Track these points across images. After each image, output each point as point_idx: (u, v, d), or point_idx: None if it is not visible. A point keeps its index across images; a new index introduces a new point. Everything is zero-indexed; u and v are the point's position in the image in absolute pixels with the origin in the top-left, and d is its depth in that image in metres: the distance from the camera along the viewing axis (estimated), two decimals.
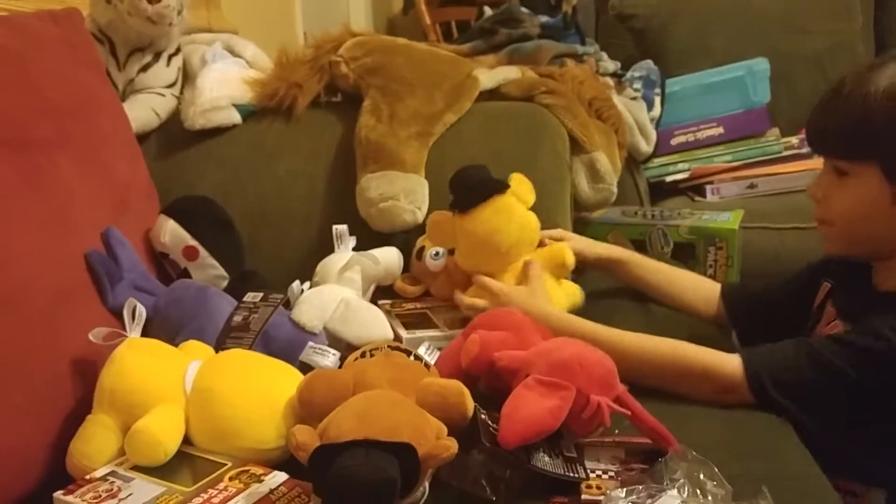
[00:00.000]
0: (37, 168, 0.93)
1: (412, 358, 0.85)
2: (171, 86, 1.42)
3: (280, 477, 0.74)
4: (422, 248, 1.19)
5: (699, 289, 1.21)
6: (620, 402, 0.81)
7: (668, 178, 1.79)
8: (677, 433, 0.83)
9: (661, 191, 1.80)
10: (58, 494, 0.73)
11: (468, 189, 1.04)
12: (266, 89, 1.40)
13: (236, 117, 1.38)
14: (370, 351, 0.85)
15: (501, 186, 1.03)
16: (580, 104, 1.45)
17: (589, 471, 0.78)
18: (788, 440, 0.86)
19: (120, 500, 0.71)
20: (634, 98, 1.73)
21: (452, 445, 0.69)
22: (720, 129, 1.82)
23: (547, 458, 0.77)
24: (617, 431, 0.84)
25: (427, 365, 0.86)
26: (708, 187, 1.77)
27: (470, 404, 0.79)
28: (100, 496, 0.72)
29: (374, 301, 1.19)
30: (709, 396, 0.92)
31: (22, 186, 0.90)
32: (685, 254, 1.45)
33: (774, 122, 1.86)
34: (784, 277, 1.20)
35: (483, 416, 0.79)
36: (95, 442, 0.79)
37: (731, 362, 0.92)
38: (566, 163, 1.36)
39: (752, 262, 1.58)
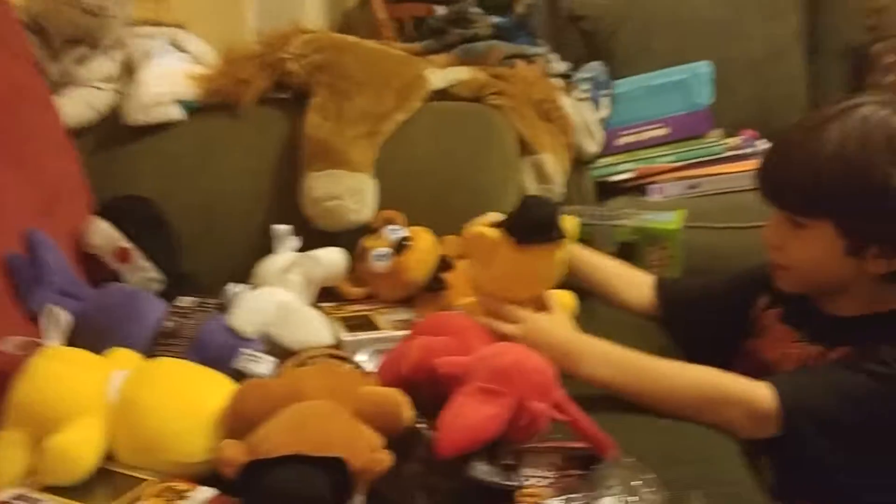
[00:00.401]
0: None
1: (350, 366, 0.84)
2: (110, 79, 1.38)
3: (206, 492, 0.72)
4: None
5: (632, 284, 1.22)
6: (559, 408, 0.80)
7: (614, 178, 1.80)
8: (614, 438, 0.83)
9: (606, 190, 1.81)
10: None
11: (537, 224, 0.96)
12: (211, 85, 1.37)
13: (180, 113, 1.35)
14: (307, 359, 0.84)
15: (563, 234, 0.97)
16: (529, 106, 1.46)
17: (526, 478, 0.78)
18: (722, 446, 0.87)
19: None
20: (583, 99, 1.74)
21: (386, 459, 0.69)
22: (665, 130, 1.83)
23: (485, 467, 0.77)
24: (557, 436, 0.84)
25: (365, 372, 0.85)
26: (652, 187, 1.78)
27: (407, 414, 0.78)
28: None
29: (316, 303, 1.18)
30: (740, 426, 0.91)
31: None
32: (629, 253, 1.45)
33: (716, 124, 1.89)
34: (721, 280, 1.22)
35: (421, 425, 0.78)
36: (3, 461, 0.75)
37: (761, 388, 0.91)
38: (514, 164, 1.37)
39: (693, 260, 1.58)
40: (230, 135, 1.35)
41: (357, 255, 1.20)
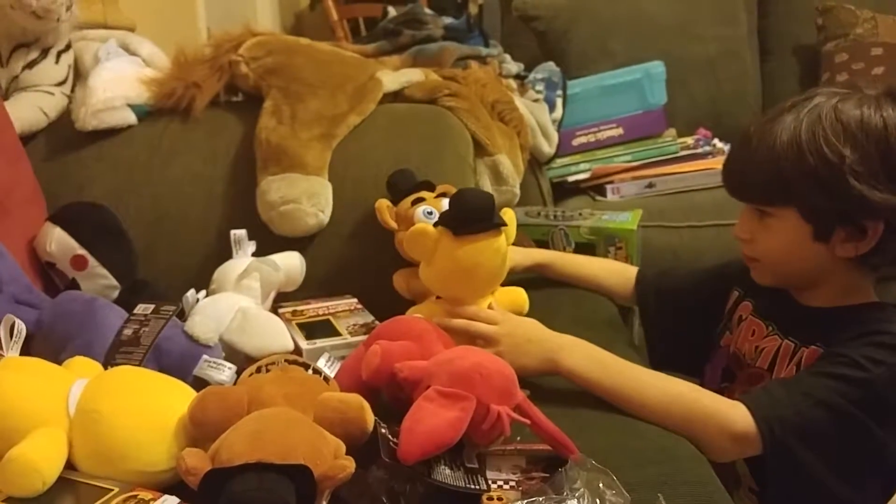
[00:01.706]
0: None
1: (310, 371, 0.83)
2: (60, 84, 1.36)
3: (170, 501, 0.71)
4: (419, 199, 1.15)
5: (617, 275, 1.27)
6: (521, 410, 0.81)
7: (570, 178, 1.83)
8: (576, 440, 0.84)
9: (563, 190, 1.84)
10: None
11: (472, 214, 0.96)
12: (163, 89, 1.35)
13: (131, 118, 1.33)
14: (266, 366, 0.83)
15: (501, 222, 0.98)
16: (483, 107, 1.46)
17: (490, 481, 0.79)
18: (683, 445, 0.88)
19: None
20: (536, 100, 1.76)
21: (349, 465, 0.69)
22: (619, 130, 1.86)
23: (448, 471, 0.77)
24: (518, 439, 0.84)
25: (326, 378, 0.84)
26: (608, 187, 1.81)
27: (370, 419, 0.78)
28: None
29: (274, 308, 1.17)
30: (721, 448, 0.90)
31: None
32: (586, 253, 1.47)
33: (671, 124, 1.92)
34: (696, 274, 1.24)
35: (383, 431, 0.78)
36: None
37: (739, 410, 0.91)
38: (470, 165, 1.37)
39: (651, 259, 1.62)
40: (183, 139, 1.33)
41: (403, 201, 1.17)
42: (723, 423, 0.91)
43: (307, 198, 1.22)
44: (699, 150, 1.88)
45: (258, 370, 0.83)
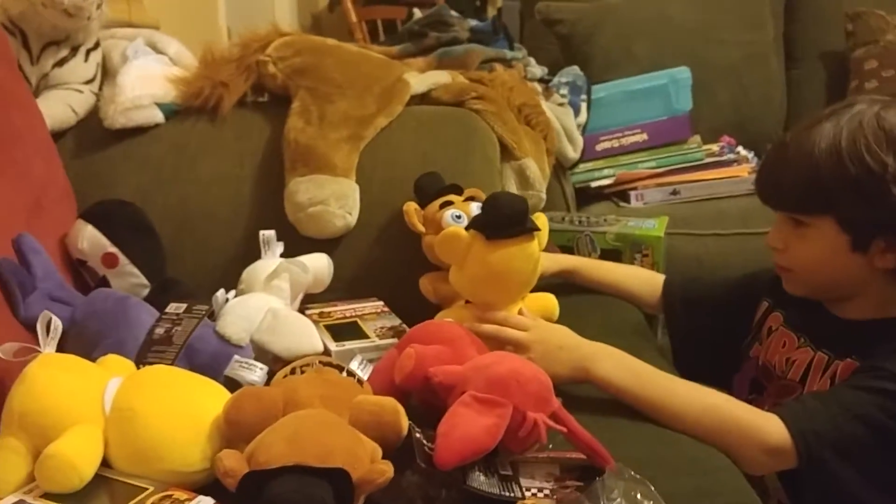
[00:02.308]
0: None
1: (344, 374, 0.83)
2: (89, 82, 1.36)
3: (205, 502, 0.71)
4: (448, 203, 1.15)
5: (645, 283, 1.26)
6: (556, 418, 0.80)
7: (594, 184, 1.82)
8: (611, 448, 0.84)
9: (586, 196, 1.83)
10: None
11: (506, 218, 0.96)
12: (191, 88, 1.35)
13: (159, 116, 1.33)
14: (300, 367, 0.83)
15: (534, 226, 0.97)
16: (510, 110, 1.46)
17: (524, 489, 0.78)
18: (716, 457, 0.87)
19: None
20: (562, 104, 1.75)
21: (388, 470, 0.68)
22: (644, 136, 1.85)
23: (482, 478, 0.77)
24: (551, 447, 0.84)
25: (360, 381, 0.84)
26: (632, 193, 1.80)
27: (404, 423, 0.77)
28: None
29: (301, 309, 1.17)
30: (755, 461, 0.89)
31: None
32: (612, 260, 1.47)
33: (695, 130, 1.91)
34: (725, 282, 1.23)
35: (417, 435, 0.78)
36: (2, 468, 0.74)
37: (774, 423, 0.89)
38: (497, 168, 1.36)
39: (676, 267, 1.60)
40: (210, 139, 1.33)
41: (431, 204, 1.17)
42: (758, 436, 0.90)
43: (335, 199, 1.21)
44: (724, 158, 1.87)
45: (292, 371, 0.83)
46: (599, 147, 1.85)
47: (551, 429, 0.79)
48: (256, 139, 1.33)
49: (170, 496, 0.72)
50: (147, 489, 0.74)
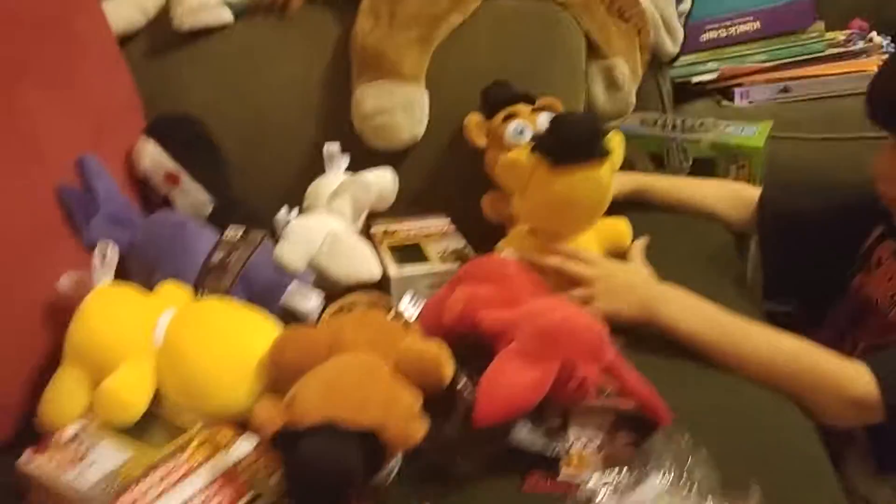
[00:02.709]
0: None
1: (392, 314, 0.81)
2: None
3: (247, 446, 0.71)
4: (511, 115, 1.08)
5: (731, 199, 1.15)
6: (612, 370, 0.76)
7: (695, 79, 1.66)
8: (670, 397, 0.79)
9: (686, 92, 1.67)
10: (23, 459, 0.71)
11: (572, 144, 0.88)
12: None
13: (227, 16, 1.28)
14: (348, 305, 0.81)
15: (605, 151, 0.88)
16: (600, 2, 1.33)
17: (574, 440, 0.75)
18: (787, 410, 0.81)
19: (82, 469, 0.70)
20: None
21: (416, 432, 0.66)
22: (756, 24, 1.66)
23: (526, 432, 0.74)
24: (608, 392, 0.80)
25: (407, 322, 0.81)
26: (737, 90, 1.63)
27: (448, 372, 0.74)
28: (63, 463, 0.70)
29: (367, 226, 1.14)
30: (836, 413, 0.83)
31: None
32: (705, 170, 1.36)
33: (821, 16, 1.70)
34: (833, 201, 1.10)
35: (462, 385, 0.75)
36: (64, 397, 0.78)
37: (861, 374, 0.82)
38: (581, 72, 1.26)
39: (779, 176, 1.48)
40: (279, 40, 1.28)
41: (496, 116, 1.11)
42: (840, 386, 0.83)
43: (402, 109, 1.16)
44: (851, 49, 1.65)
45: (340, 309, 0.81)
46: (704, 37, 1.68)
47: (602, 385, 0.74)
48: (326, 39, 1.27)
49: (215, 435, 0.73)
50: (195, 427, 0.75)
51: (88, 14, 1.10)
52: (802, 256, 1.07)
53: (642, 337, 0.90)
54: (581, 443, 0.75)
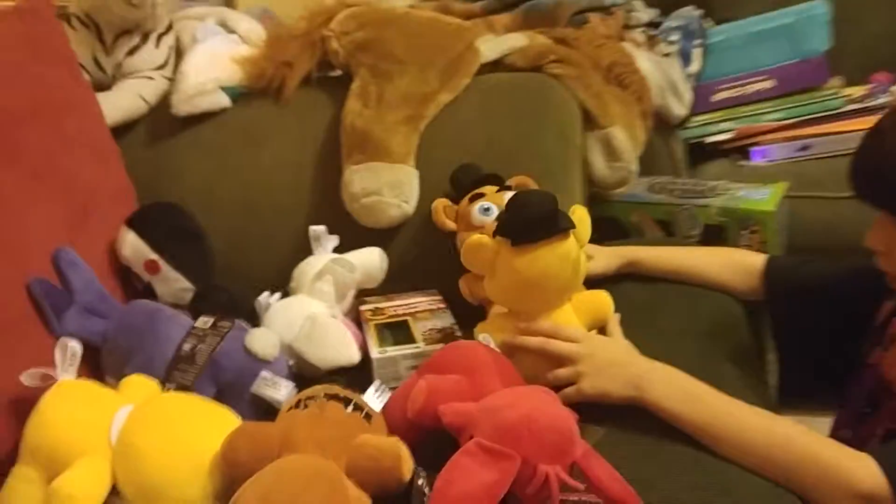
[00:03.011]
0: None
1: (351, 408, 0.77)
2: (160, 67, 1.35)
3: None
4: (477, 196, 1.07)
5: (733, 267, 1.09)
6: (579, 467, 0.71)
7: (709, 139, 1.62)
8: (653, 490, 0.74)
9: (702, 153, 1.64)
10: None
11: (530, 222, 0.87)
12: (255, 69, 1.31)
13: (224, 101, 1.30)
14: (305, 400, 0.78)
15: (567, 225, 0.87)
16: (597, 72, 1.31)
17: None
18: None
19: None
20: (668, 54, 1.56)
21: None
22: (771, 83, 1.62)
23: None
24: (586, 488, 0.74)
25: (369, 415, 0.78)
26: (754, 149, 1.58)
27: (406, 469, 0.71)
28: None
29: (357, 304, 1.12)
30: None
31: None
32: (716, 237, 1.31)
33: (837, 71, 1.65)
34: (845, 269, 1.04)
35: (420, 482, 0.71)
36: (19, 497, 0.76)
37: (867, 466, 0.75)
38: (574, 144, 1.24)
39: (803, 237, 1.42)
40: (274, 122, 1.29)
41: (464, 199, 1.10)
42: (844, 479, 0.75)
43: (389, 189, 1.15)
44: (871, 104, 1.59)
45: (297, 403, 0.78)
46: (717, 97, 1.65)
47: (567, 484, 0.69)
48: (319, 121, 1.28)
49: None
50: None
51: (78, 110, 1.14)
52: (812, 326, 1.01)
53: (632, 418, 0.85)
54: None
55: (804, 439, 0.79)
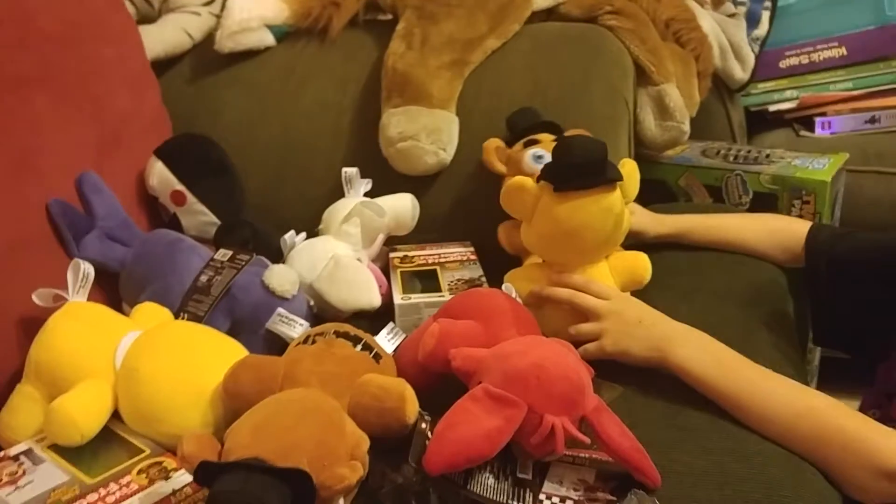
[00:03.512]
0: (2, 110, 0.88)
1: (360, 347, 0.75)
2: (208, 3, 1.34)
3: (188, 477, 0.68)
4: (532, 142, 1.02)
5: (779, 238, 1.04)
6: (589, 423, 0.68)
7: (772, 108, 1.54)
8: (669, 454, 0.71)
9: (763, 122, 1.56)
10: None
11: (575, 168, 0.82)
12: (301, 8, 1.29)
13: (269, 39, 1.28)
14: (314, 336, 0.76)
15: (614, 176, 0.82)
16: (654, 26, 1.25)
17: (544, 497, 0.67)
18: (806, 482, 0.70)
19: (17, 487, 0.67)
20: (733, 14, 1.48)
21: (349, 475, 0.60)
22: (842, 50, 1.52)
23: (491, 481, 0.67)
24: (595, 447, 0.71)
25: (378, 356, 0.76)
26: (818, 120, 1.50)
27: (410, 411, 0.68)
28: (0, 480, 0.68)
29: (387, 251, 1.10)
30: (864, 486, 0.71)
31: None
32: (766, 205, 1.24)
33: None
34: (885, 241, 0.98)
35: (423, 426, 0.69)
36: (21, 414, 0.76)
37: (894, 442, 0.71)
38: (624, 100, 1.18)
39: (859, 212, 1.35)
40: (317, 63, 1.27)
41: (517, 143, 1.05)
42: (870, 454, 0.70)
43: (426, 134, 1.11)
44: None
45: (305, 340, 0.76)
46: (784, 63, 1.56)
47: (572, 437, 0.66)
48: (363, 64, 1.25)
49: (159, 463, 0.70)
50: (144, 451, 0.72)
51: (117, 37, 1.12)
52: (850, 303, 0.95)
53: (651, 381, 0.81)
54: (554, 499, 0.67)
55: (831, 412, 0.74)
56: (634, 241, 1.01)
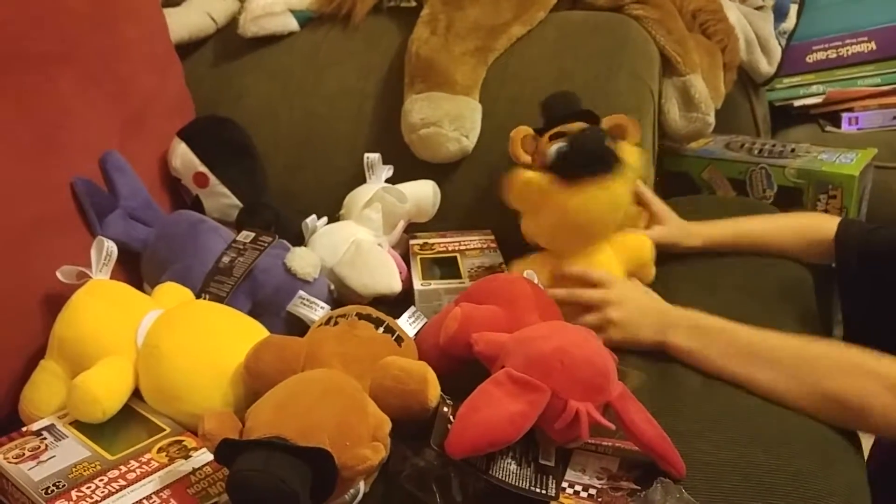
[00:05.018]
0: (28, 87, 0.88)
1: (382, 330, 0.74)
2: None
3: (208, 456, 0.67)
4: (559, 134, 0.97)
5: (804, 231, 1.03)
6: (613, 409, 0.67)
7: (797, 103, 1.52)
8: (692, 444, 0.69)
9: (788, 117, 1.54)
10: None
11: (582, 158, 0.85)
12: None
13: (292, 24, 1.28)
14: (336, 318, 0.75)
15: (618, 165, 0.84)
16: (680, 16, 1.23)
17: (567, 484, 0.67)
18: (833, 474, 0.69)
19: (40, 462, 0.67)
20: (760, 7, 1.46)
21: (371, 456, 0.59)
22: (871, 45, 1.50)
23: (513, 467, 0.66)
24: (619, 434, 0.70)
25: (400, 338, 0.75)
26: (845, 115, 1.48)
27: (432, 394, 0.68)
28: (23, 455, 0.68)
29: (406, 238, 1.09)
30: (876, 394, 0.72)
31: (4, 109, 0.85)
32: (791, 200, 1.23)
33: None
34: None
35: (445, 410, 0.68)
36: (43, 390, 0.76)
37: (891, 359, 0.73)
38: (649, 87, 1.16)
39: (887, 209, 1.33)
40: (340, 49, 1.26)
41: (550, 129, 1.00)
42: (874, 371, 0.72)
43: (449, 121, 1.10)
44: None
45: (328, 321, 0.76)
46: (811, 58, 1.54)
47: (597, 424, 0.65)
48: (386, 51, 1.24)
49: (179, 441, 0.70)
50: (164, 430, 0.72)
51: (141, 17, 1.12)
52: (882, 297, 0.93)
53: (675, 371, 0.80)
54: (577, 487, 0.66)
55: (833, 349, 0.76)
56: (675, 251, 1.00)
